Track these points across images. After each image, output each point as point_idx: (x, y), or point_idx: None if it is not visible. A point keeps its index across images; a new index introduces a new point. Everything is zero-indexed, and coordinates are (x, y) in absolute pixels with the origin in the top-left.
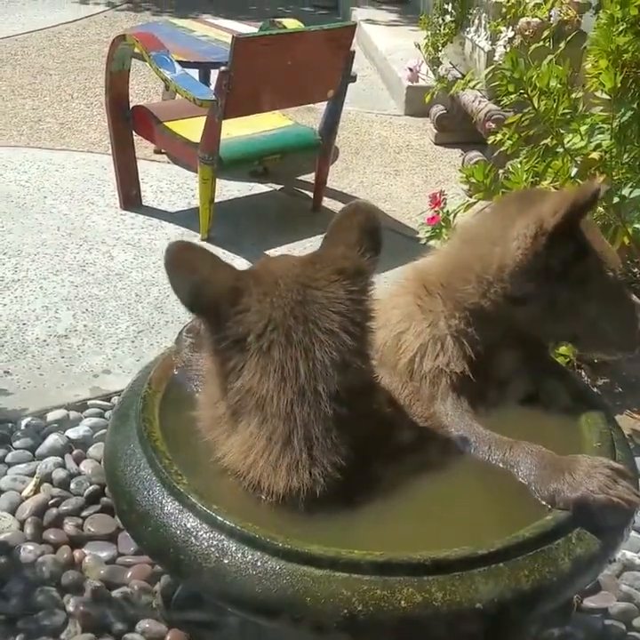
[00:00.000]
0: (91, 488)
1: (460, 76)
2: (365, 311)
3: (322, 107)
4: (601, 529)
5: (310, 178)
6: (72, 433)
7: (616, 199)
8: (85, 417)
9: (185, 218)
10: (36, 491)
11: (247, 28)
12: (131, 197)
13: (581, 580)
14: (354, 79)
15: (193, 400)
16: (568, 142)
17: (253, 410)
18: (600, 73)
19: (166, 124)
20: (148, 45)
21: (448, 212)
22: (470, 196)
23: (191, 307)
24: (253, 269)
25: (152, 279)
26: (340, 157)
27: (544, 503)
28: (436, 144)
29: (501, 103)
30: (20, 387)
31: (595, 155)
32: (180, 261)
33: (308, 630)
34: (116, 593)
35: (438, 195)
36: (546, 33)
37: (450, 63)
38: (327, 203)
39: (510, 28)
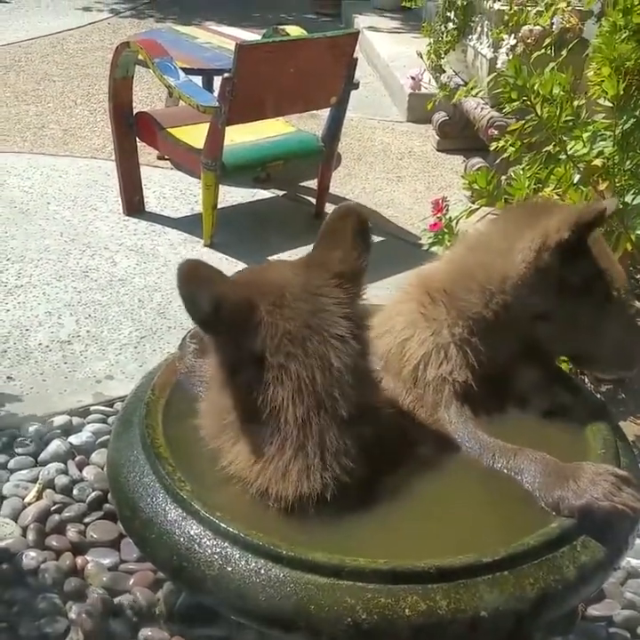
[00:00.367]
0: (93, 494)
1: (462, 83)
2: (364, 312)
3: (325, 113)
4: (606, 536)
5: (313, 184)
6: (75, 439)
7: (619, 206)
8: (88, 423)
9: (188, 224)
10: (39, 497)
11: (250, 36)
12: (134, 203)
13: (587, 587)
14: (357, 86)
15: (196, 406)
16: (571, 149)
17: (267, 419)
18: (603, 80)
19: (169, 130)
20: (151, 52)
21: (450, 218)
22: (473, 203)
23: (206, 324)
24: (256, 280)
25: (155, 285)
26: (343, 164)
27: (548, 510)
28: (438, 150)
29: (504, 110)
30: (23, 392)
31: (597, 162)
32: (195, 278)
33: (312, 639)
34: (118, 600)
35: (441, 201)
36: (548, 40)
37: (452, 70)
38: (330, 209)
39: (512, 35)
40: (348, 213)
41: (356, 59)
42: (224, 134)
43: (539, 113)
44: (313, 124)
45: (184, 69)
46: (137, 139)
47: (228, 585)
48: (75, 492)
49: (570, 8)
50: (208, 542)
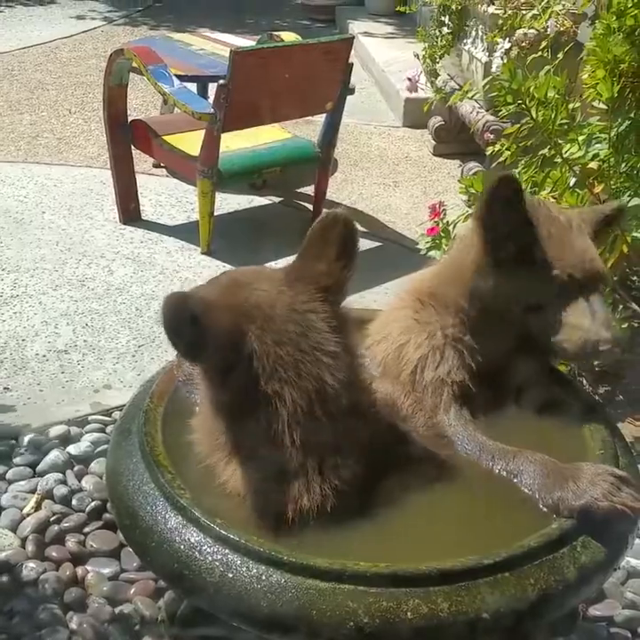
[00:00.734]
0: (92, 504)
1: (457, 87)
2: (346, 321)
3: (320, 119)
4: (606, 536)
5: (310, 190)
6: (73, 449)
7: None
8: (86, 432)
9: (184, 231)
10: (38, 507)
11: (244, 42)
12: (130, 211)
13: (587, 588)
14: (352, 91)
15: (190, 421)
16: (566, 152)
17: (262, 442)
18: (597, 83)
19: (165, 137)
20: (145, 60)
21: (448, 222)
22: (470, 207)
23: (193, 358)
24: (239, 303)
25: (152, 293)
26: (339, 169)
27: (548, 512)
28: (434, 155)
29: (499, 114)
30: (20, 403)
31: (593, 164)
32: (179, 315)
33: None
34: (119, 609)
35: (438, 205)
36: (543, 44)
37: (447, 75)
38: None
39: (507, 39)
40: (334, 222)
41: (352, 64)
42: (220, 141)
43: (534, 116)
44: (308, 129)
45: (178, 76)
46: (132, 146)
47: (229, 592)
48: (74, 502)
49: (564, 11)
50: (209, 549)
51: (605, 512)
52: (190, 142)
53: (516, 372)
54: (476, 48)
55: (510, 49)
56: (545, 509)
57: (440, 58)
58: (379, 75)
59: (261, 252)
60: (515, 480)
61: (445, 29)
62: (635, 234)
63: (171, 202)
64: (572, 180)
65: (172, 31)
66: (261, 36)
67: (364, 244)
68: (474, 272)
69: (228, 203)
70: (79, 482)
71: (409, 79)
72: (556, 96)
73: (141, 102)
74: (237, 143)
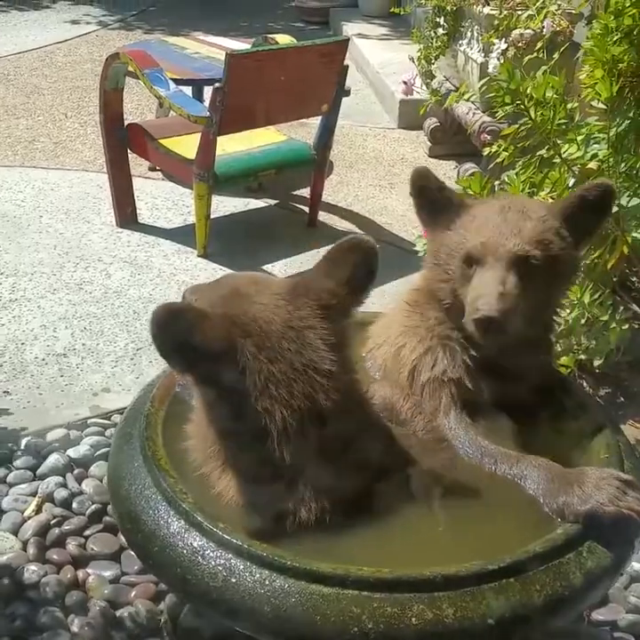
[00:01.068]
0: (93, 507)
1: (453, 88)
2: (346, 338)
3: (315, 121)
4: (612, 541)
5: (305, 192)
6: (73, 452)
7: (615, 209)
8: (86, 436)
9: (181, 234)
10: (38, 511)
11: (239, 45)
12: (126, 215)
13: (593, 593)
14: (348, 93)
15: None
16: (565, 152)
17: (253, 457)
18: (596, 83)
19: (161, 141)
20: (141, 63)
21: None
22: None
23: (185, 371)
24: (237, 314)
25: (150, 296)
26: (335, 171)
27: (553, 516)
28: (430, 156)
29: (496, 115)
30: (19, 406)
31: (592, 164)
32: (166, 329)
33: None
34: (120, 612)
35: None
36: (539, 44)
37: (443, 76)
38: (323, 217)
39: (503, 39)
40: (355, 247)
41: (347, 66)
42: (216, 144)
43: (532, 116)
44: (303, 132)
45: (174, 80)
46: (128, 150)
47: (232, 596)
48: (74, 505)
49: (560, 11)
50: (211, 554)
51: (611, 516)
52: (186, 145)
53: (515, 376)
54: (471, 49)
55: (506, 49)
56: (550, 514)
57: (435, 59)
58: (373, 76)
59: (258, 255)
60: (518, 485)
61: (440, 30)
62: (634, 234)
63: (167, 205)
64: (571, 181)
65: (166, 35)
66: (256, 39)
67: None
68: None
69: (225, 205)
70: (79, 485)
71: (405, 82)
72: (555, 96)
73: (137, 106)
74: (233, 146)
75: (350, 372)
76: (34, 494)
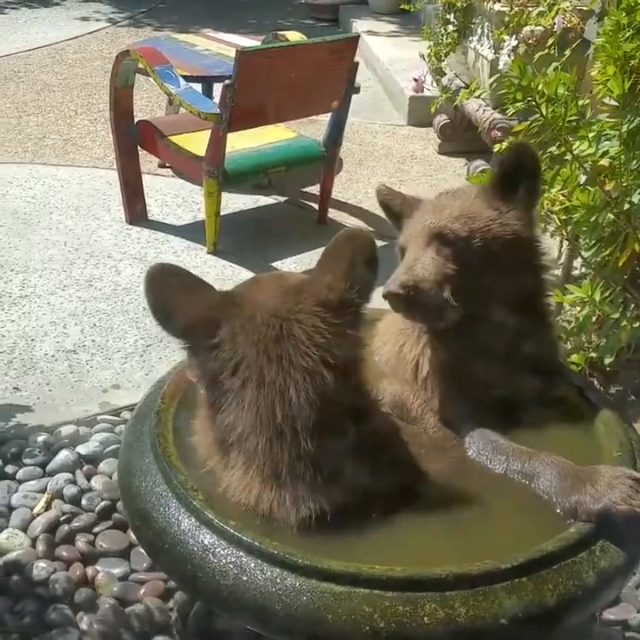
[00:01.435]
0: (102, 504)
1: (463, 85)
2: (352, 343)
3: (324, 118)
4: (625, 540)
5: (315, 189)
6: (82, 449)
7: (626, 206)
8: (95, 432)
9: (191, 231)
10: (48, 507)
11: (248, 42)
12: (136, 212)
13: (606, 592)
14: (358, 90)
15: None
16: (576, 149)
17: (236, 445)
18: (607, 79)
19: (171, 138)
20: (152, 60)
21: None
22: None
23: (167, 331)
24: (235, 295)
25: None
26: (345, 168)
27: (565, 515)
28: (439, 154)
29: (507, 111)
30: (29, 403)
31: (604, 162)
32: (155, 286)
33: None
34: (129, 610)
35: None
36: (550, 41)
37: (453, 73)
38: (332, 214)
39: (513, 36)
40: (349, 240)
41: (357, 63)
42: (225, 141)
43: (544, 113)
44: (313, 129)
45: (184, 77)
46: (138, 147)
47: (243, 594)
48: (83, 501)
49: (571, 8)
50: (222, 552)
51: (624, 515)
52: (196, 142)
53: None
54: (481, 46)
55: (517, 46)
56: (562, 513)
57: (445, 56)
58: (383, 73)
59: (267, 252)
60: (530, 482)
61: (451, 27)
62: None
63: (177, 202)
64: (583, 178)
65: (176, 32)
66: (266, 36)
67: None
68: None
69: (234, 202)
70: (88, 482)
71: (415, 80)
72: (566, 93)
73: (146, 103)
74: (243, 143)
75: (341, 376)
76: (43, 491)
